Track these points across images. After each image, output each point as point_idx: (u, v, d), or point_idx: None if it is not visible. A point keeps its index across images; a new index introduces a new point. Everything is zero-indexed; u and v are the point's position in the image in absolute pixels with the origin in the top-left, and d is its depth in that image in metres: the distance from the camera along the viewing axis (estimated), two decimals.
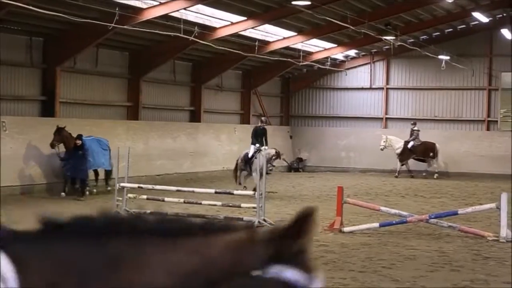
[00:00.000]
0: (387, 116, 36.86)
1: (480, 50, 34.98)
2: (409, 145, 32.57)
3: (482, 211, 15.76)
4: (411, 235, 14.66)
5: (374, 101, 37.07)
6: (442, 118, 35.76)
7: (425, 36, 34.44)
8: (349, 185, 24.70)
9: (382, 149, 32.72)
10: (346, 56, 36.59)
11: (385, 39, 29.89)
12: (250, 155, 22.10)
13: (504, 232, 13.99)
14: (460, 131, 35.57)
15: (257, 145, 22.29)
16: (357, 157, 35.28)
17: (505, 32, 31.55)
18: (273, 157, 22.25)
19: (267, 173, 20.54)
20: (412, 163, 32.92)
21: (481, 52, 34.97)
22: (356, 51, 35.94)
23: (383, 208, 15.74)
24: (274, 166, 23.00)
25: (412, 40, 33.28)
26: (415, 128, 32.96)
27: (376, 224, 15.01)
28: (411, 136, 32.86)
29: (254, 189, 18.93)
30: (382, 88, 36.89)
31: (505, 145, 33.73)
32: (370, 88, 37.08)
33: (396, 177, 31.48)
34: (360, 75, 37.20)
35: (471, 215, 16.71)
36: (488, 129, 35.19)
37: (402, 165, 32.55)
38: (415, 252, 12.53)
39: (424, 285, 9.74)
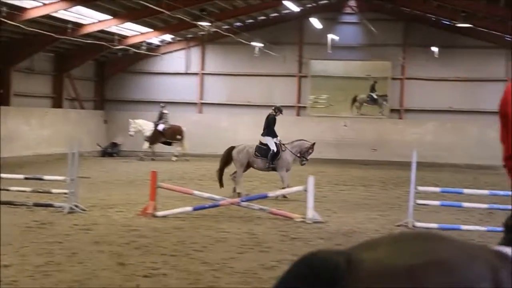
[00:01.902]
0: (202, 101, 37.24)
1: (291, 38, 36.18)
2: (160, 128, 32.79)
3: (290, 193, 16.37)
4: (223, 218, 14.95)
5: (189, 86, 37.31)
6: (255, 104, 36.61)
7: (239, 23, 35.11)
8: (163, 170, 24.75)
9: (132, 135, 32.89)
10: (162, 41, 36.51)
11: (200, 25, 30.12)
12: (275, 149, 19.50)
13: (310, 213, 14.64)
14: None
15: (278, 138, 19.96)
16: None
17: (314, 21, 32.80)
18: (309, 150, 20.01)
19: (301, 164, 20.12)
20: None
21: (292, 40, 36.20)
22: (172, 36, 35.96)
23: (196, 192, 15.91)
24: (307, 159, 20.28)
25: (226, 26, 33.79)
26: (165, 111, 33.29)
27: (189, 208, 15.14)
28: (160, 119, 33.07)
29: (239, 194, 18.44)
30: (198, 74, 37.21)
31: (314, 130, 35.27)
32: (186, 73, 37.29)
33: (142, 160, 31.84)
34: (175, 60, 37.28)
35: (281, 197, 17.33)
36: (298, 114, 36.53)
37: (150, 147, 32.90)
38: (226, 235, 12.80)
39: (233, 266, 9.98)
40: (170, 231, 13.02)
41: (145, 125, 32.80)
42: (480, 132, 34.12)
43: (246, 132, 35.90)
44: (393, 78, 35.55)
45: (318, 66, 36.07)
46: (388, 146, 34.82)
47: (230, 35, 32.70)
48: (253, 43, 33.51)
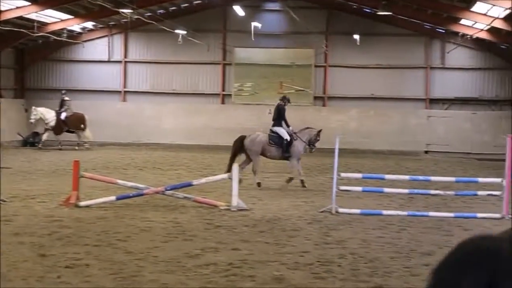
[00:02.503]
0: (125, 89, 36.81)
1: (215, 25, 36.10)
2: (62, 116, 32.10)
3: (215, 181, 16.36)
4: (147, 207, 14.84)
5: (112, 74, 36.82)
6: (180, 92, 36.44)
7: (162, 10, 34.80)
8: (87, 159, 24.42)
9: (32, 123, 32.33)
10: (83, 28, 35.88)
11: (122, 12, 29.73)
12: (288, 138, 19.44)
13: (235, 201, 14.68)
14: (198, 104, 36.50)
15: (290, 127, 19.91)
16: (96, 130, 34.80)
17: (237, 8, 32.77)
18: (317, 137, 19.98)
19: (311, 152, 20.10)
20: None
21: (216, 28, 36.12)
22: (94, 23, 35.38)
23: (120, 181, 15.74)
24: (316, 147, 20.18)
25: (149, 14, 33.44)
26: (66, 98, 32.68)
27: (113, 197, 14.97)
28: (61, 107, 32.41)
29: (258, 183, 18.89)
30: (121, 62, 36.74)
31: (238, 117, 35.40)
32: (109, 61, 36.78)
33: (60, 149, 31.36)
34: (98, 47, 36.72)
35: (206, 185, 17.29)
36: (223, 102, 36.52)
37: (56, 137, 32.20)
38: (150, 224, 12.71)
39: (157, 255, 9.92)
40: (94, 221, 12.85)
41: (47, 113, 31.94)
42: (401, 119, 34.83)
43: (171, 120, 35.80)
44: (317, 66, 35.87)
45: (243, 54, 36.09)
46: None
47: (153, 22, 32.36)
48: (176, 31, 33.26)
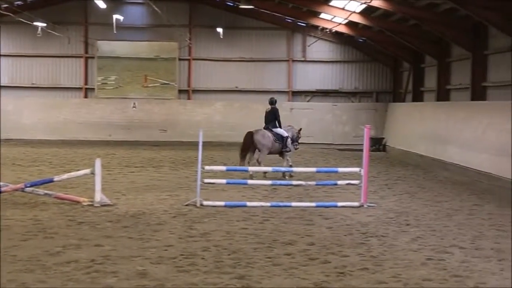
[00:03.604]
0: None
1: (76, 18, 35.33)
2: None
3: (78, 177, 16.00)
4: (6, 205, 14.30)
5: None
6: (40, 86, 35.41)
7: (20, 2, 33.62)
8: None
9: None
10: None
11: None
12: (289, 135, 20.95)
13: (98, 196, 14.44)
14: (59, 98, 35.61)
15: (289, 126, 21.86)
16: None
17: (98, 1, 32.13)
18: (299, 135, 21.74)
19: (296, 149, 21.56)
20: None
21: (77, 20, 35.36)
22: None
23: None
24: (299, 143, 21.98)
25: (6, 5, 32.19)
26: None
27: None
28: None
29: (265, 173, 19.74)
30: None
31: (102, 112, 34.88)
32: None
33: None
34: None
35: (68, 181, 16.91)
36: (86, 96, 35.80)
37: None
38: (9, 222, 12.28)
39: (15, 254, 9.62)
40: None
41: None
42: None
43: (32, 115, 34.79)
44: (181, 59, 35.79)
45: (105, 47, 35.48)
46: (178, 127, 35.11)
47: (10, 14, 31.17)
48: (35, 23, 32.22)
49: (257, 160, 20.37)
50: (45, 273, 8.67)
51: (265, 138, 20.51)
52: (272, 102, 21.39)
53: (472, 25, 23.52)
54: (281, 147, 20.74)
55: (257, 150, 20.52)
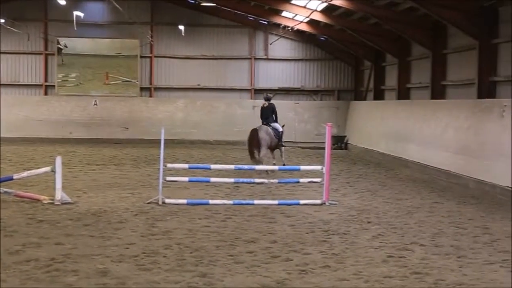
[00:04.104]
0: None
1: (36, 14, 34.99)
2: None
3: (38, 175, 15.83)
4: None
5: None
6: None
7: None
8: None
9: None
10: None
11: None
12: (283, 130, 21.78)
13: (59, 194, 14.29)
14: (19, 96, 35.23)
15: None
16: None
17: None
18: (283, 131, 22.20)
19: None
20: None
21: (37, 17, 35.00)
22: None
23: None
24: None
25: None
26: None
27: None
28: None
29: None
30: None
31: (62, 109, 34.57)
32: None
33: None
34: None
35: (28, 179, 16.71)
36: (46, 93, 35.44)
37: None
38: None
39: None
40: None
41: None
42: (227, 109, 35.35)
43: None
44: (142, 56, 35.61)
45: (66, 43, 35.13)
46: (140, 125, 34.92)
47: None
48: None
49: (260, 156, 20.68)
50: (5, 272, 8.55)
51: (267, 133, 20.90)
52: (269, 98, 21.95)
53: (431, 24, 23.81)
54: (277, 142, 21.25)
55: (262, 146, 20.74)
